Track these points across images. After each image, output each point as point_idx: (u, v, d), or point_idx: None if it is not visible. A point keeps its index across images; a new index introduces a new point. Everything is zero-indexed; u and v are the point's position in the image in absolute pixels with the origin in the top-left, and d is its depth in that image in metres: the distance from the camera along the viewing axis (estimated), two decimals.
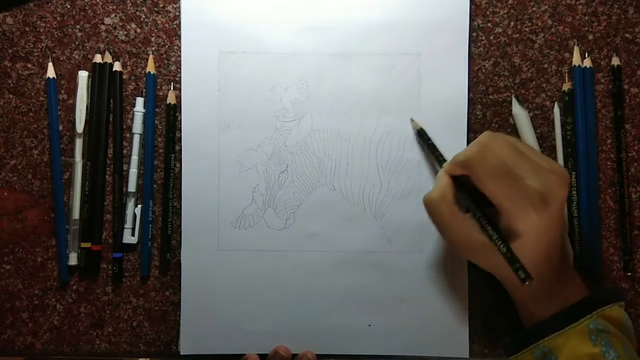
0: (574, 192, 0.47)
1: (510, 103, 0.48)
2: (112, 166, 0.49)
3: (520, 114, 0.47)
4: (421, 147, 0.48)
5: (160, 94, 0.49)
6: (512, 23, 0.49)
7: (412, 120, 0.47)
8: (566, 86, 0.48)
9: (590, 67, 0.48)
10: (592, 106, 0.48)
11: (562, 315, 0.40)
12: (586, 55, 0.48)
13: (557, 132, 0.48)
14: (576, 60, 0.48)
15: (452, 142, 0.47)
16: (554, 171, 0.39)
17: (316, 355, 0.47)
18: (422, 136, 0.47)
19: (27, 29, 0.49)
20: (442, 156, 0.46)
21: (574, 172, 0.48)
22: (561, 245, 0.42)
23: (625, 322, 0.41)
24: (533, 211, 0.38)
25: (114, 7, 0.49)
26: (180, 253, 0.48)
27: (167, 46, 0.49)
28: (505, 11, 0.49)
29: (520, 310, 0.43)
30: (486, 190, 0.39)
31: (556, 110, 0.48)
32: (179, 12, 0.48)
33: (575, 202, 0.47)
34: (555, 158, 0.48)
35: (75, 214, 0.48)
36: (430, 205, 0.42)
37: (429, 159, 0.48)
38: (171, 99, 0.48)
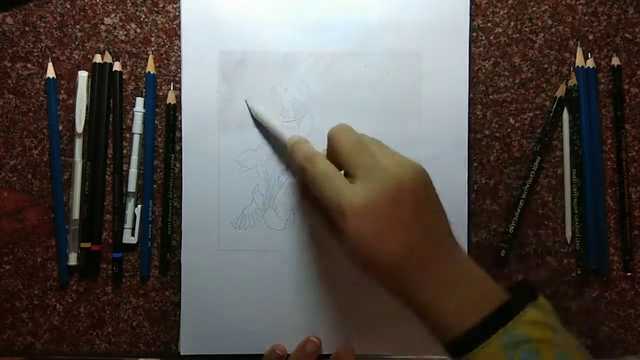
0: (577, 192, 0.47)
1: (510, 103, 0.48)
2: (112, 166, 0.49)
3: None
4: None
5: (160, 94, 0.49)
6: (512, 23, 0.49)
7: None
8: (571, 82, 0.48)
9: (593, 67, 0.48)
10: (596, 107, 0.48)
11: (471, 335, 0.35)
12: (589, 56, 0.48)
13: (565, 134, 0.48)
14: (579, 60, 0.48)
15: (452, 143, 0.47)
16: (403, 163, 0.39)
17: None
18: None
19: (27, 29, 0.49)
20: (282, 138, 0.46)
21: (574, 169, 0.48)
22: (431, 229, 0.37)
23: (547, 316, 0.35)
24: (346, 216, 0.36)
25: (114, 7, 0.49)
26: (180, 253, 0.48)
27: (167, 46, 0.49)
28: (505, 11, 0.49)
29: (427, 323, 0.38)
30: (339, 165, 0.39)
31: (565, 114, 0.48)
32: (179, 12, 0.48)
33: (576, 200, 0.48)
34: (562, 159, 0.48)
35: (75, 214, 0.48)
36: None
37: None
38: (171, 99, 0.48)
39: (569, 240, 0.48)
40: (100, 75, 0.48)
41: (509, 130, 0.49)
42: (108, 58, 0.48)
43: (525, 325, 0.34)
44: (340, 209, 0.37)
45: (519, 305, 0.35)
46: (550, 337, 0.34)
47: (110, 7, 0.49)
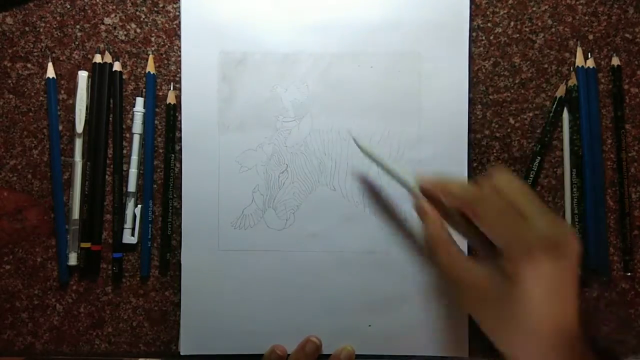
0: (577, 192, 0.47)
1: (510, 103, 0.48)
2: (112, 166, 0.49)
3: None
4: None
5: (160, 94, 0.49)
6: (512, 23, 0.49)
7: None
8: (571, 82, 0.48)
9: (593, 67, 0.48)
10: (596, 106, 0.48)
11: None
12: (589, 56, 0.48)
13: (565, 134, 0.48)
14: (579, 60, 0.48)
15: (453, 143, 0.47)
16: (563, 223, 0.36)
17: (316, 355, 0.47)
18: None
19: (27, 29, 0.49)
20: (402, 175, 0.43)
21: (574, 169, 0.48)
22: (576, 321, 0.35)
23: None
24: (544, 256, 0.33)
25: (114, 7, 0.49)
26: (180, 253, 0.48)
27: (167, 46, 0.49)
28: (505, 11, 0.49)
29: None
30: (489, 231, 0.36)
31: (565, 114, 0.48)
32: (179, 12, 0.48)
33: (576, 201, 0.47)
34: (562, 159, 0.48)
35: (75, 214, 0.48)
36: (428, 249, 0.41)
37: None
38: (171, 99, 0.48)
39: None
40: (100, 75, 0.48)
41: (509, 130, 0.49)
42: (108, 58, 0.48)
43: None
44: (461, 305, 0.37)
45: None
46: None
47: (110, 7, 0.49)
